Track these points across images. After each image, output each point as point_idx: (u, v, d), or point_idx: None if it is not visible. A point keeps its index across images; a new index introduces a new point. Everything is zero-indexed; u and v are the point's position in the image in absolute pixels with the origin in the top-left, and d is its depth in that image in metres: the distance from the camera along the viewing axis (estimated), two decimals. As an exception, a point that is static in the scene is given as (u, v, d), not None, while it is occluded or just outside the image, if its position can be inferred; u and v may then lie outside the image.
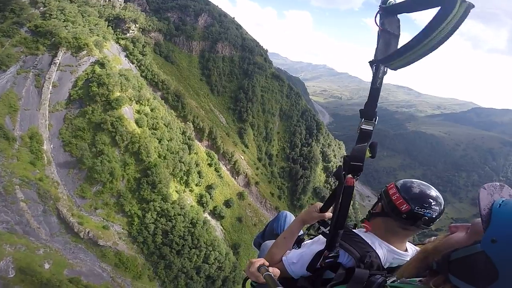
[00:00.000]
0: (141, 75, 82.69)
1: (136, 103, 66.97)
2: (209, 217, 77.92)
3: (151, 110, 68.98)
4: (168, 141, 70.32)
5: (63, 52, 63.72)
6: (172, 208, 63.58)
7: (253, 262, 2.02)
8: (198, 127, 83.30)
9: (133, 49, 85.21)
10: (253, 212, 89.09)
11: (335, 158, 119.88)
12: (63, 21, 69.61)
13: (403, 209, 1.93)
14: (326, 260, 2.00)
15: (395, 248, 2.09)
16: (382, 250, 2.06)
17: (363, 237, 2.09)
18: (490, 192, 1.22)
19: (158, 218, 62.42)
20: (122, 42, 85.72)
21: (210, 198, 78.00)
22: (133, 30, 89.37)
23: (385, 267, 2.06)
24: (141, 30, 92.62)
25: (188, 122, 78.28)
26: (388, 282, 1.73)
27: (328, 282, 1.99)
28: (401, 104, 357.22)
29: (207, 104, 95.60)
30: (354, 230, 2.19)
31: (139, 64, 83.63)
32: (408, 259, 2.05)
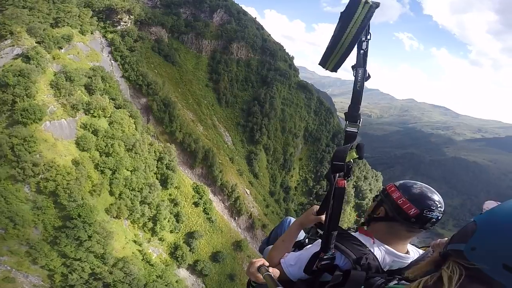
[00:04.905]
0: (123, 75, 57.31)
1: (85, 114, 40.56)
2: (185, 273, 49.53)
3: (110, 124, 42.14)
4: (130, 171, 42.97)
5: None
6: (110, 273, 36.11)
7: (253, 262, 1.84)
8: (189, 149, 55.35)
9: (120, 43, 60.29)
10: (255, 267, 58.56)
11: (371, 193, 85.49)
12: (21, 8, 46.47)
13: (411, 213, 1.76)
14: (322, 262, 1.81)
15: (394, 251, 1.89)
16: (381, 252, 1.87)
17: (361, 239, 1.88)
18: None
19: (90, 281, 35.59)
20: (109, 35, 61.31)
21: (190, 251, 49.64)
22: (125, 22, 64.76)
23: (385, 269, 1.87)
24: (138, 23, 67.97)
25: (169, 144, 50.46)
26: (390, 284, 1.61)
27: (326, 285, 1.81)
28: (436, 126, 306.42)
29: (210, 118, 67.54)
30: (352, 233, 1.97)
31: (123, 62, 58.30)
32: (409, 261, 1.90)
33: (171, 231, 49.51)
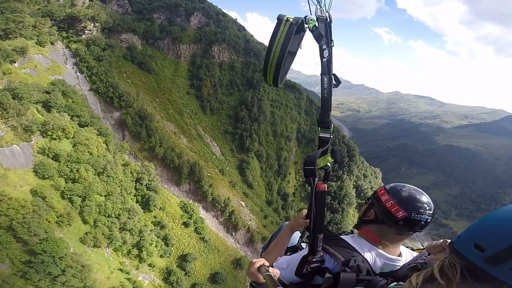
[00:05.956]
0: (91, 88, 51.41)
1: (43, 136, 34.51)
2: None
3: (73, 146, 36.18)
4: (104, 197, 37.06)
5: None
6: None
7: (254, 262, 1.81)
8: (172, 165, 49.69)
9: (85, 53, 54.46)
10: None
11: (372, 191, 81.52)
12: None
13: (399, 216, 1.76)
14: (311, 265, 1.83)
15: (385, 253, 1.89)
16: (371, 255, 1.87)
17: (350, 242, 1.89)
18: None
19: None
20: (73, 45, 55.43)
21: (185, 275, 44.29)
22: (90, 31, 58.99)
23: (376, 272, 1.85)
24: (106, 30, 62.30)
25: (147, 162, 44.72)
26: (391, 285, 1.67)
27: None
28: (424, 116, 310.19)
29: (194, 127, 62.04)
30: (341, 236, 1.99)
31: (90, 73, 52.42)
32: (401, 264, 1.90)
33: (161, 256, 43.80)
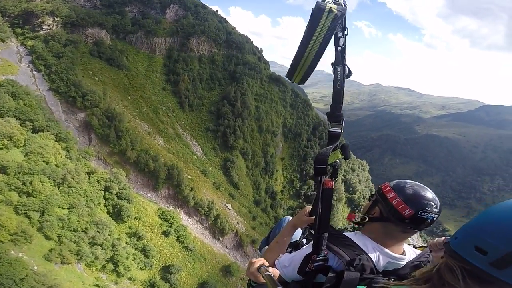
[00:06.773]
0: (50, 87, 45.42)
1: (-16, 145, 29.02)
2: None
3: (25, 155, 30.85)
4: (67, 209, 32.15)
5: None
6: None
7: (253, 262, 1.80)
8: (147, 169, 44.92)
9: (43, 49, 48.14)
10: (249, 292, 49.82)
11: (360, 184, 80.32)
12: None
13: (406, 214, 1.70)
14: (315, 264, 1.78)
15: (389, 252, 1.84)
16: (375, 254, 1.82)
17: (355, 240, 1.84)
18: None
19: None
20: (29, 42, 48.96)
21: (171, 287, 40.66)
22: (49, 26, 52.45)
23: (380, 271, 1.83)
24: (68, 25, 55.74)
25: (116, 169, 39.82)
26: (393, 284, 1.61)
27: (320, 286, 1.80)
28: (404, 106, 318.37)
29: (171, 126, 57.08)
30: (345, 233, 1.93)
31: (48, 71, 46.29)
32: (405, 262, 1.86)
33: (141, 268, 39.47)
